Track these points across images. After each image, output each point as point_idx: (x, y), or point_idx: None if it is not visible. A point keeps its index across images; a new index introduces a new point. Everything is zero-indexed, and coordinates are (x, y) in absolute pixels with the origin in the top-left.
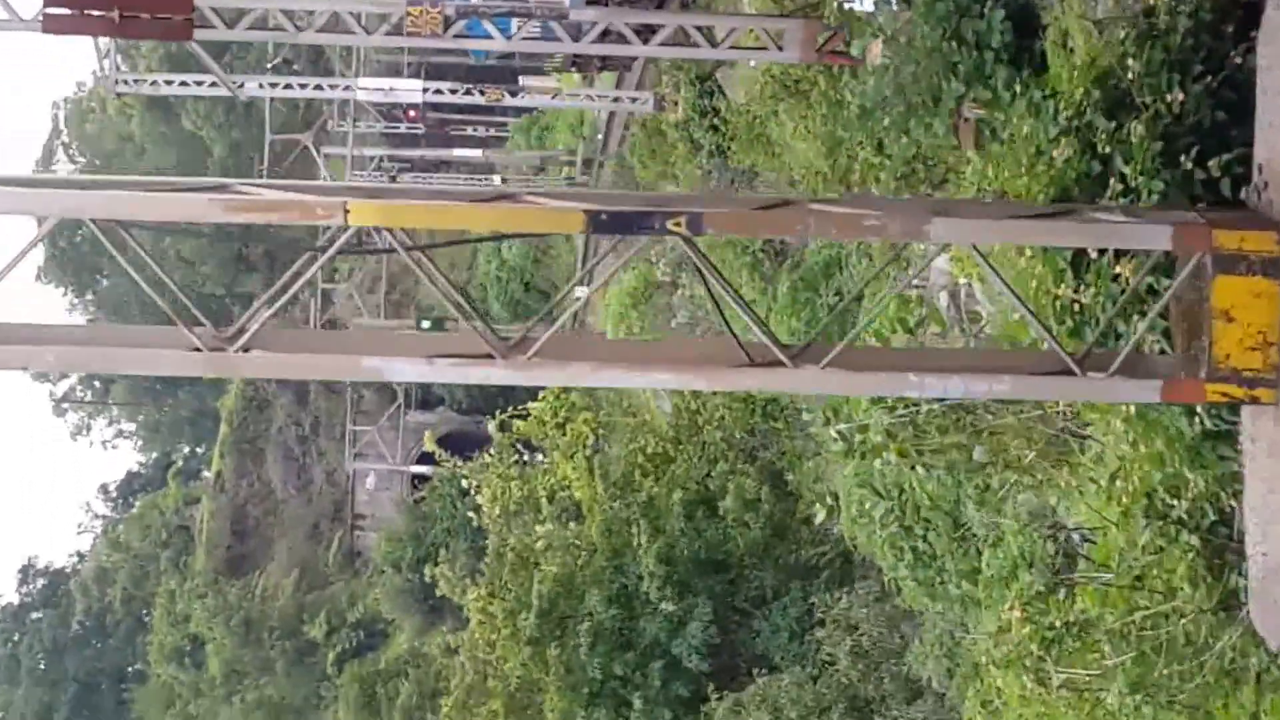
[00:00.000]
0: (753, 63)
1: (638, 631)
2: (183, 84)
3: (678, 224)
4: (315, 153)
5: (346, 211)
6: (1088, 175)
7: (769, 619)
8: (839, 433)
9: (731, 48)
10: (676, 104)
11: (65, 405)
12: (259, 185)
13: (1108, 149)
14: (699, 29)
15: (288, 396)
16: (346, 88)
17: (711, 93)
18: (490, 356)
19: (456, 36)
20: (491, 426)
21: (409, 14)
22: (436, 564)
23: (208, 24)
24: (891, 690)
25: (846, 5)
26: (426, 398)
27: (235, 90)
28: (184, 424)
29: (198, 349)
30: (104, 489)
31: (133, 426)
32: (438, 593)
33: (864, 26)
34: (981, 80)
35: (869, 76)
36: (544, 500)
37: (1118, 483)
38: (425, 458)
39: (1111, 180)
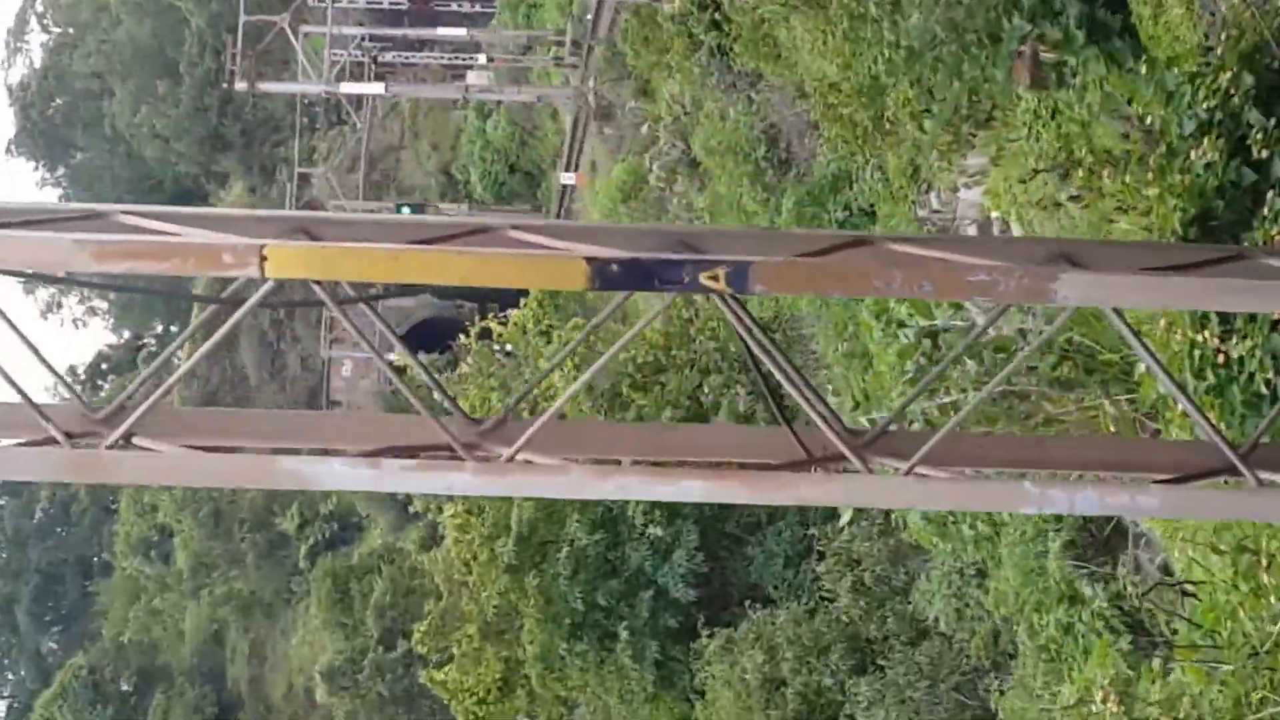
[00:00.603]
0: None
1: (623, 559)
2: None
3: (714, 277)
4: (292, 35)
5: (263, 260)
6: (1236, 185)
7: (763, 545)
8: (870, 422)
9: None
10: None
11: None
12: (149, 216)
13: (1263, 152)
14: None
15: None
16: None
17: None
18: (457, 454)
19: None
20: (472, 334)
21: None
22: None
23: None
24: (895, 630)
25: None
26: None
27: None
28: (157, 302)
29: (54, 440)
30: (72, 371)
31: (104, 305)
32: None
33: None
34: (1049, 16)
35: (913, 9)
36: (526, 414)
37: (1261, 569)
38: (402, 345)
39: (1270, 194)
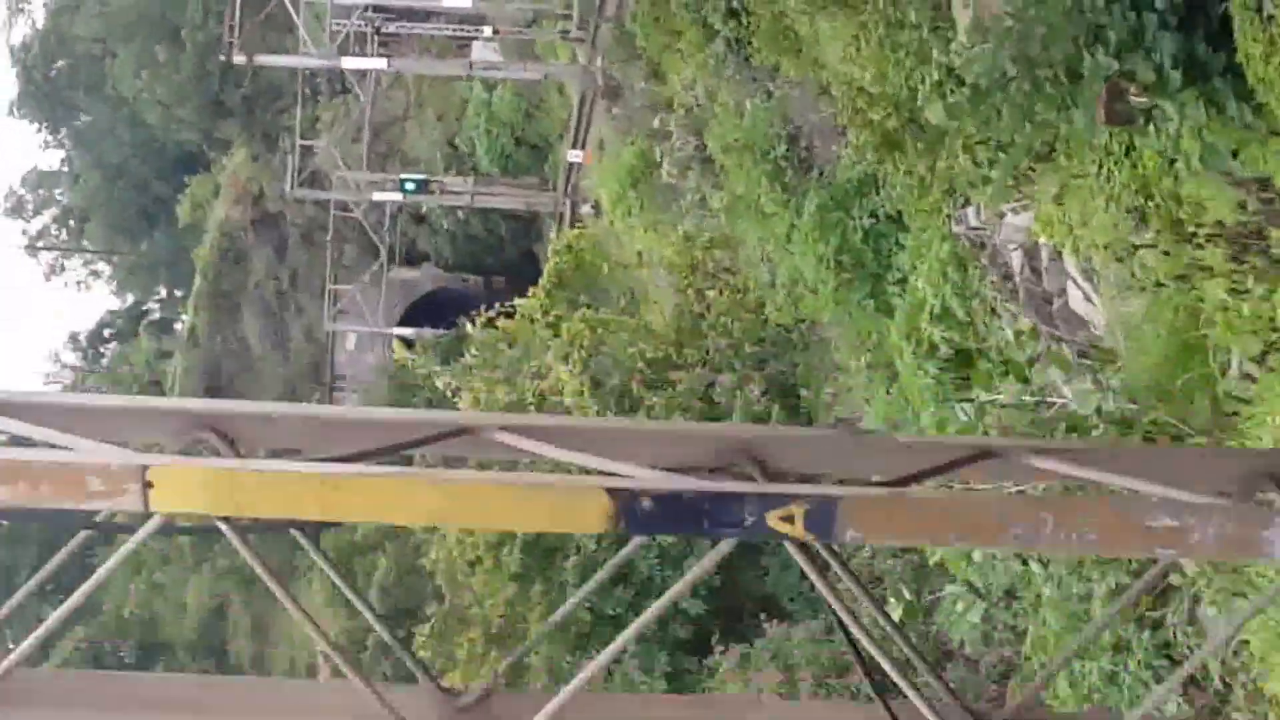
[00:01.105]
0: None
1: (632, 567)
2: None
3: (788, 519)
4: (291, 5)
5: (147, 485)
6: None
7: (778, 555)
8: None
9: None
10: None
11: (39, 245)
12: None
13: None
14: None
15: (266, 248)
16: None
17: None
18: None
19: None
20: (475, 327)
21: None
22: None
23: None
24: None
25: None
26: (410, 255)
27: None
28: (160, 266)
29: None
30: (74, 338)
31: (108, 269)
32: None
33: None
34: (1140, 51)
35: (975, 36)
36: (531, 408)
37: None
38: (407, 319)
39: None
